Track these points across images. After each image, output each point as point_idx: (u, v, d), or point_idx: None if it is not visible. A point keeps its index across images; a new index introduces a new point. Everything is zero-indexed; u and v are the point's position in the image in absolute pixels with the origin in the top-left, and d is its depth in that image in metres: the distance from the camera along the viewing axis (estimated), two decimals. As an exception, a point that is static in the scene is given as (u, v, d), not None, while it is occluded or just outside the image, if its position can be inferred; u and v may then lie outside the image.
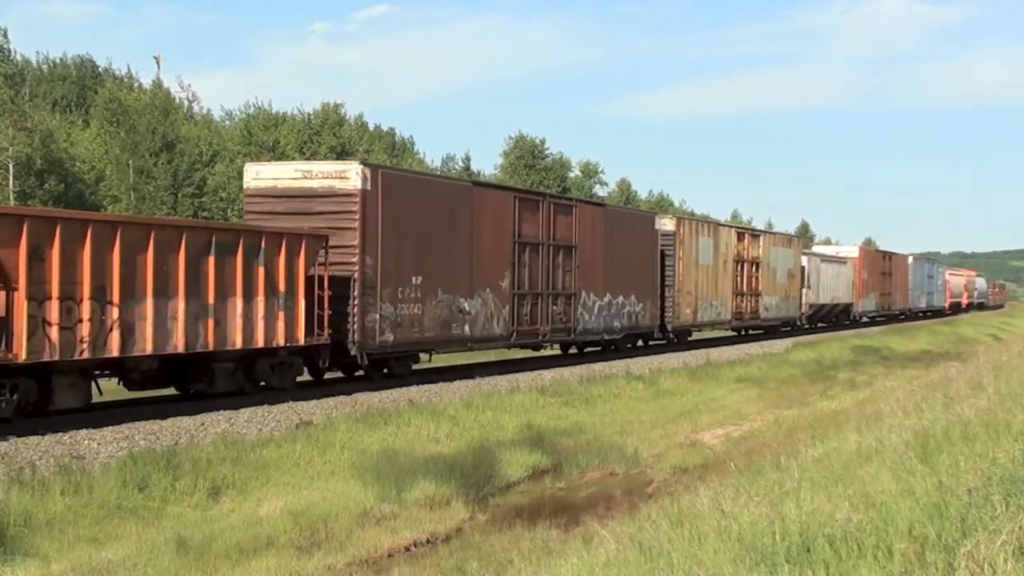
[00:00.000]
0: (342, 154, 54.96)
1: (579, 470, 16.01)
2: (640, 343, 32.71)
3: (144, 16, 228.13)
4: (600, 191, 76.41)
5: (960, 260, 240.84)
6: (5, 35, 45.52)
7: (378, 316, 19.25)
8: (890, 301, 61.49)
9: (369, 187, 19.07)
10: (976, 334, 56.44)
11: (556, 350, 29.31)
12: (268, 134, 53.01)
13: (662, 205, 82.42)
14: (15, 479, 11.14)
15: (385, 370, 20.85)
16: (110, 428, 14.29)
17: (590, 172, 77.21)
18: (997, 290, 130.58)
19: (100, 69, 54.26)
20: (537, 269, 24.63)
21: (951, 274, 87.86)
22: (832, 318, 52.83)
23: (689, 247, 33.24)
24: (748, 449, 15.71)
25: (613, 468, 16.29)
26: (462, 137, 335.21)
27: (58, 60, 53.59)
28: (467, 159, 70.65)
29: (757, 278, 39.59)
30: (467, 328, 22.01)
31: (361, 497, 12.51)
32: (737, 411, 22.36)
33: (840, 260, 52.89)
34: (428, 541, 11.73)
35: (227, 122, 55.77)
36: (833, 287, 50.48)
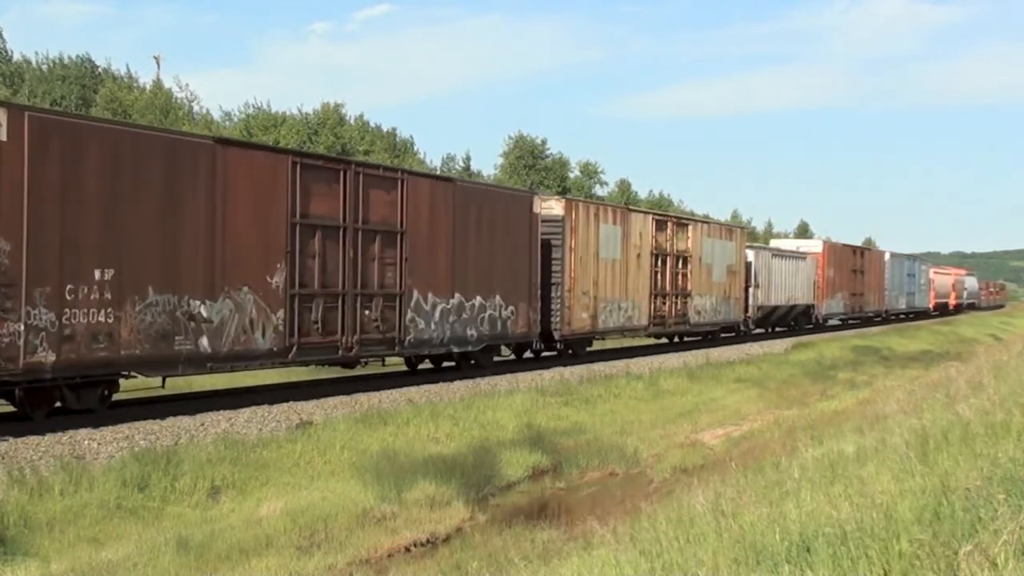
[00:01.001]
0: (342, 154, 55.02)
1: (579, 470, 16.02)
2: (518, 355, 26.63)
3: (144, 16, 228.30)
4: (600, 191, 76.45)
5: (960, 260, 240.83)
6: (1, 35, 45.49)
7: (22, 327, 13.35)
8: (862, 302, 55.42)
9: (4, 137, 13.27)
10: (976, 334, 56.44)
11: (381, 366, 22.73)
12: (268, 134, 52.99)
13: (662, 205, 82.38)
14: (15, 479, 11.14)
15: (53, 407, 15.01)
16: (110, 428, 14.29)
17: (590, 172, 77.18)
18: (995, 290, 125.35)
19: (100, 69, 54.29)
20: (337, 261, 18.53)
21: (936, 272, 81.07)
22: (790, 321, 46.47)
23: (585, 237, 26.90)
24: (748, 449, 15.72)
25: (613, 468, 16.30)
26: (462, 137, 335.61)
27: (57, 60, 53.60)
28: (467, 159, 70.70)
29: (685, 275, 33.14)
30: (204, 342, 15.97)
31: (361, 497, 12.51)
32: (737, 411, 22.37)
33: (799, 255, 45.99)
34: (428, 541, 11.73)
35: (227, 122, 55.75)
36: (790, 286, 43.89)
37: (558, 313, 25.89)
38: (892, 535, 5.80)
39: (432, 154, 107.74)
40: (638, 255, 30.00)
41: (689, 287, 33.50)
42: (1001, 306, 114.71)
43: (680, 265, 32.99)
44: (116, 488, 11.41)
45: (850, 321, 55.60)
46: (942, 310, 79.46)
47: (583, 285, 26.85)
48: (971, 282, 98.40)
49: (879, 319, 59.73)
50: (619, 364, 26.36)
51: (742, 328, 39.75)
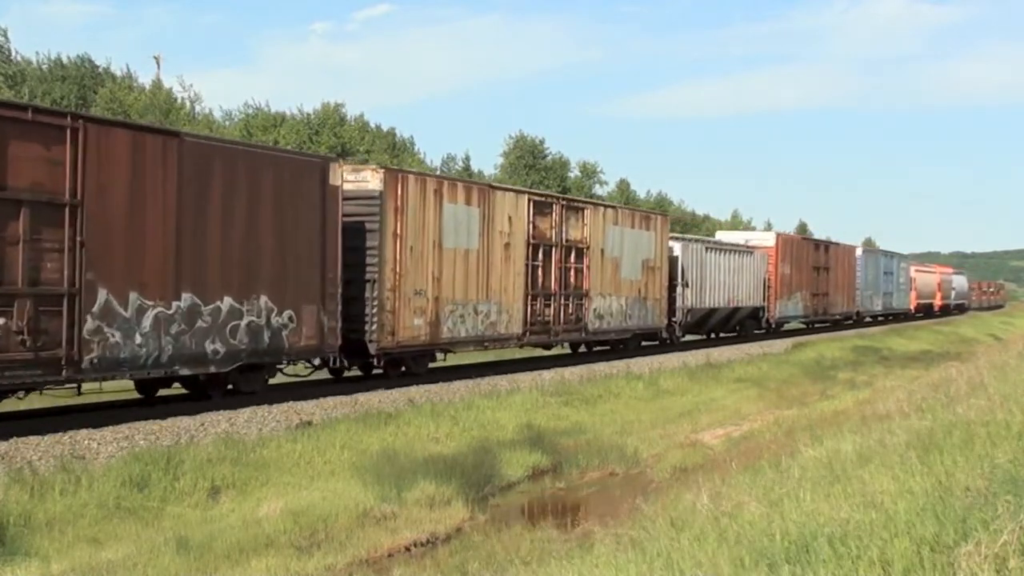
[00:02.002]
0: (342, 154, 54.98)
1: (579, 470, 16.02)
2: (334, 374, 21.04)
3: (144, 16, 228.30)
4: (600, 191, 76.43)
5: (960, 260, 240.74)
6: (5, 35, 45.46)
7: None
8: (826, 303, 48.46)
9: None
10: (976, 334, 56.47)
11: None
12: (268, 134, 52.99)
13: (661, 205, 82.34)
14: (15, 479, 11.15)
15: None
16: (110, 428, 14.30)
17: (590, 172, 77.19)
18: (991, 290, 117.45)
19: (100, 69, 54.26)
20: None
21: (918, 270, 73.56)
22: (735, 326, 40.04)
23: (420, 219, 20.54)
24: (748, 449, 15.71)
25: (613, 468, 16.31)
26: (462, 137, 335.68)
27: (57, 60, 53.59)
28: (467, 159, 70.69)
29: (581, 271, 26.76)
30: None
31: (361, 497, 12.51)
32: (737, 411, 22.38)
33: (744, 250, 39.12)
34: (428, 541, 11.74)
35: (227, 122, 55.75)
36: (732, 285, 37.21)
37: (375, 319, 19.53)
38: (892, 535, 5.80)
39: (432, 154, 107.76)
40: (507, 244, 23.48)
41: (586, 286, 26.94)
42: (1000, 306, 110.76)
43: (573, 258, 26.48)
44: (116, 488, 11.42)
45: (815, 325, 49.61)
46: (926, 312, 73.14)
47: (416, 282, 20.52)
48: (960, 281, 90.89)
49: (849, 322, 53.69)
50: (619, 364, 26.36)
51: (665, 335, 32.85)
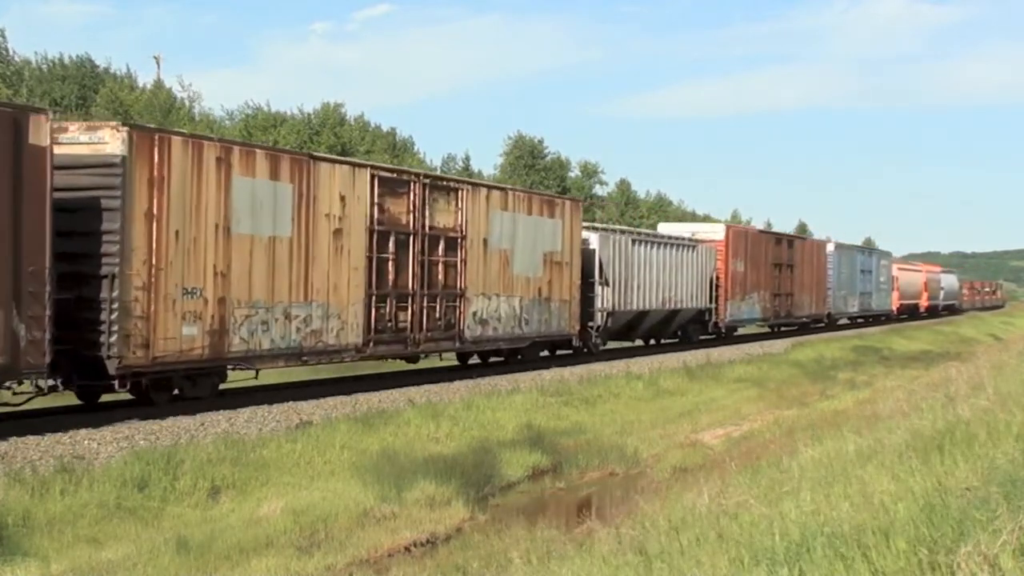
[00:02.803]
0: (343, 154, 54.94)
1: (579, 470, 16.03)
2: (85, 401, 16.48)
3: (144, 16, 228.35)
4: (600, 191, 76.45)
5: (960, 260, 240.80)
6: (3, 35, 45.41)
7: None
8: (790, 305, 43.19)
9: None
10: (976, 334, 56.48)
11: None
12: (268, 134, 52.99)
13: (661, 205, 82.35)
14: (15, 479, 11.15)
15: None
16: (110, 428, 14.29)
17: (590, 172, 77.17)
18: (987, 290, 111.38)
19: (100, 69, 54.26)
20: None
21: (901, 268, 67.94)
22: (675, 331, 35.20)
23: (188, 196, 15.75)
24: (748, 449, 15.72)
25: (613, 468, 16.31)
26: (462, 137, 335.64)
27: (57, 60, 53.58)
28: (467, 159, 70.70)
29: (454, 266, 21.83)
30: None
31: (361, 497, 12.51)
32: (737, 411, 22.38)
33: (686, 244, 34.04)
34: (428, 541, 11.74)
35: (227, 122, 55.75)
36: (670, 284, 32.26)
37: (115, 328, 14.68)
38: (891, 535, 5.80)
39: (432, 154, 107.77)
40: (337, 231, 18.45)
41: (462, 284, 21.99)
42: (998, 307, 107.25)
43: (442, 251, 21.39)
44: (116, 488, 11.41)
45: (780, 328, 45.32)
46: (911, 314, 68.15)
47: (186, 279, 15.78)
48: (949, 280, 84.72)
49: (821, 325, 48.89)
50: (619, 364, 26.35)
51: (577, 343, 27.70)
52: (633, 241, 30.70)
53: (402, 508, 12.50)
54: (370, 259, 19.36)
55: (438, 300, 21.41)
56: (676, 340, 35.66)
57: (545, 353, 26.96)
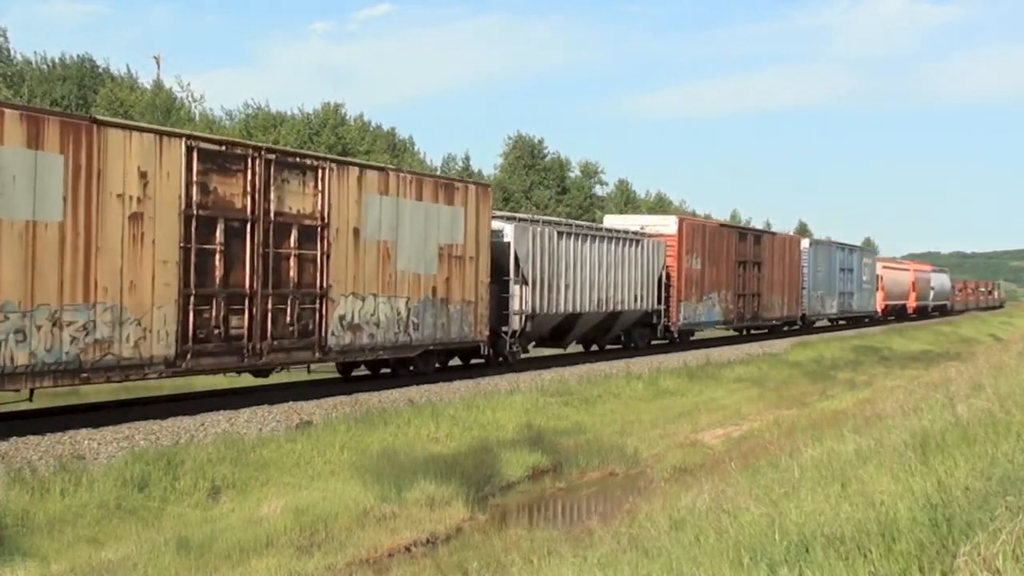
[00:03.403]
0: (343, 154, 54.95)
1: (579, 470, 16.03)
2: None
3: (144, 16, 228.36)
4: (600, 191, 76.46)
5: (960, 260, 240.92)
6: (5, 35, 45.44)
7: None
8: (758, 306, 39.57)
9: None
10: (976, 334, 56.49)
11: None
12: (268, 134, 53.00)
13: (661, 205, 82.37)
14: (15, 479, 11.15)
15: None
16: (110, 428, 14.30)
17: (590, 172, 77.18)
18: (982, 291, 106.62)
19: (100, 69, 54.27)
20: None
21: (887, 267, 63.90)
22: (618, 335, 31.54)
23: None
24: (748, 449, 15.72)
25: (613, 468, 16.32)
26: (462, 137, 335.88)
27: (57, 60, 53.60)
28: (467, 159, 70.70)
29: (312, 261, 18.08)
30: None
31: (361, 497, 12.52)
32: (737, 411, 22.38)
33: (629, 238, 30.28)
34: (428, 541, 11.74)
35: (227, 122, 55.78)
36: (609, 283, 28.68)
37: None
38: (891, 535, 5.81)
39: (432, 154, 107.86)
40: (135, 216, 14.97)
41: (325, 282, 18.22)
42: (995, 307, 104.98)
43: (295, 241, 17.62)
44: (116, 488, 11.42)
45: (751, 331, 42.28)
46: (898, 315, 64.74)
47: None
48: (940, 280, 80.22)
49: (795, 328, 45.27)
50: (619, 364, 26.36)
51: (487, 351, 23.80)
52: (560, 234, 26.47)
53: (402, 508, 12.50)
54: (187, 251, 15.66)
55: (289, 301, 17.48)
56: (619, 346, 31.50)
57: (457, 363, 24.52)
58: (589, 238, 28.01)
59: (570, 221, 30.70)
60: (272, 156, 17.36)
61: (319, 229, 18.23)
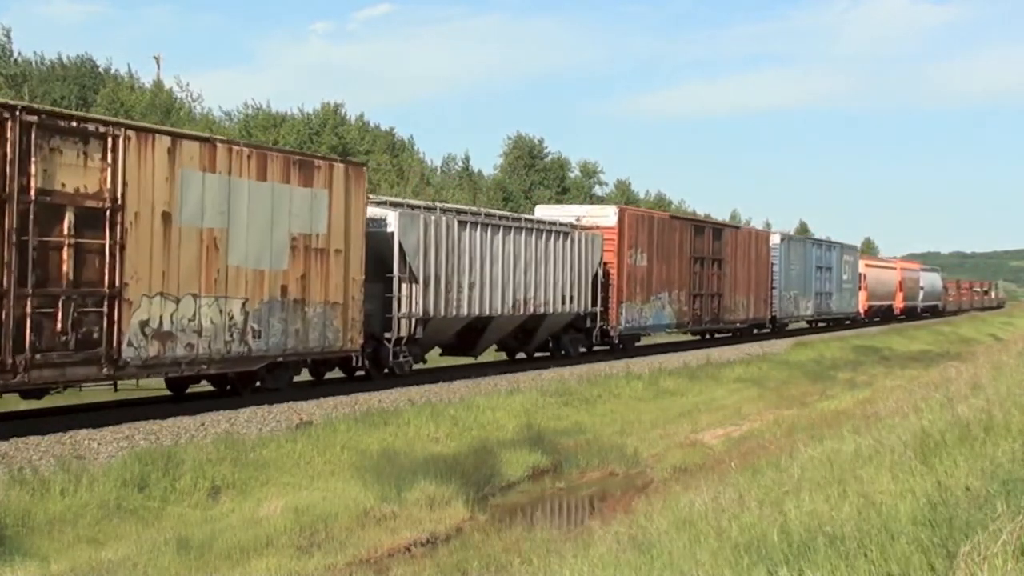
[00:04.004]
0: (343, 154, 54.96)
1: (579, 470, 16.03)
2: None
3: (144, 16, 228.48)
4: (600, 191, 76.44)
5: (960, 260, 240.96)
6: (8, 35, 45.41)
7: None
8: (718, 308, 35.75)
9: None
10: (976, 334, 56.48)
11: None
12: (268, 134, 53.00)
13: (661, 204, 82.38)
14: (15, 479, 11.15)
15: None
16: (110, 428, 14.30)
17: (589, 172, 77.22)
18: (976, 291, 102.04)
19: (100, 69, 54.27)
20: None
21: (870, 265, 60.35)
22: (546, 343, 27.51)
23: None
24: (748, 449, 15.72)
25: (613, 468, 16.31)
26: (462, 137, 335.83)
27: (58, 60, 53.60)
28: (467, 159, 70.72)
29: (104, 253, 14.53)
30: None
31: (361, 497, 12.52)
32: (737, 411, 22.38)
33: (556, 231, 26.23)
34: (428, 541, 11.74)
35: (227, 122, 55.79)
36: (529, 283, 24.78)
37: None
38: (891, 535, 5.81)
39: (432, 154, 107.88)
40: None
41: (118, 279, 14.66)
42: (992, 308, 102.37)
43: (73, 228, 14.05)
44: (116, 488, 11.42)
45: (715, 335, 38.54)
46: (884, 316, 61.54)
47: None
48: (931, 279, 76.36)
49: (764, 331, 41.80)
50: (619, 364, 26.35)
51: (361, 362, 19.97)
52: (464, 223, 22.54)
53: (402, 508, 12.50)
54: None
55: (61, 304, 13.81)
56: (548, 354, 27.77)
57: (333, 376, 20.90)
58: (503, 229, 24.02)
59: (479, 209, 25.78)
60: (34, 118, 13.50)
61: (108, 213, 14.42)
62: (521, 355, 27.43)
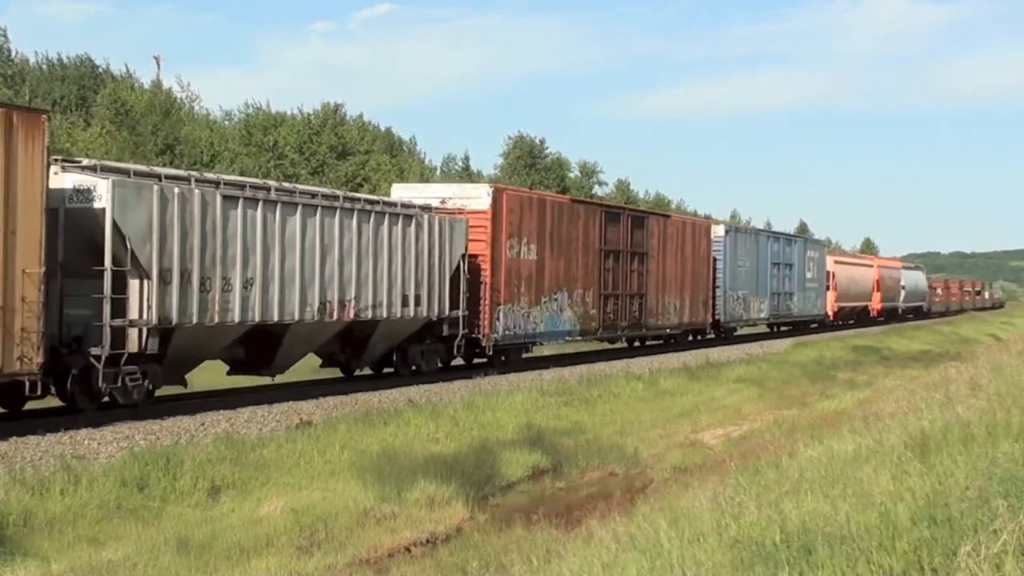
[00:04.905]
0: (343, 154, 54.99)
1: (579, 470, 16.02)
2: None
3: (144, 16, 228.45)
4: (599, 191, 76.50)
5: (960, 260, 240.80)
6: (5, 35, 45.49)
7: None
8: (639, 311, 30.04)
9: None
10: (976, 334, 56.47)
11: None
12: (268, 134, 53.00)
13: (661, 204, 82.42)
14: (15, 479, 11.15)
15: None
16: (110, 428, 14.30)
17: (589, 172, 77.30)
18: (974, 290, 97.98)
19: (100, 69, 54.29)
20: None
21: (841, 262, 54.93)
22: (375, 358, 21.31)
23: None
24: (748, 449, 15.72)
25: (613, 468, 16.30)
26: (462, 137, 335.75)
27: (57, 60, 53.61)
28: (467, 159, 70.80)
29: None
30: None
31: (361, 497, 12.52)
32: (737, 411, 22.38)
33: (394, 213, 20.48)
34: (428, 541, 11.73)
35: (227, 122, 55.83)
36: (349, 282, 19.19)
37: None
38: (891, 535, 5.81)
39: (432, 154, 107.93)
40: None
41: None
42: (992, 307, 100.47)
43: None
44: (116, 488, 11.42)
45: (645, 343, 33.34)
46: (859, 318, 56.89)
47: None
48: (914, 278, 70.91)
49: (710, 337, 36.95)
50: (619, 364, 26.34)
51: (39, 391, 14.03)
52: (229, 199, 16.61)
53: (402, 508, 12.50)
54: None
55: None
56: (392, 373, 21.70)
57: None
58: (303, 210, 17.98)
59: (265, 182, 18.82)
60: None
61: None
62: (367, 371, 21.88)
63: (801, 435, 13.90)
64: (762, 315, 41.11)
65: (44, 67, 53.24)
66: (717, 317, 36.48)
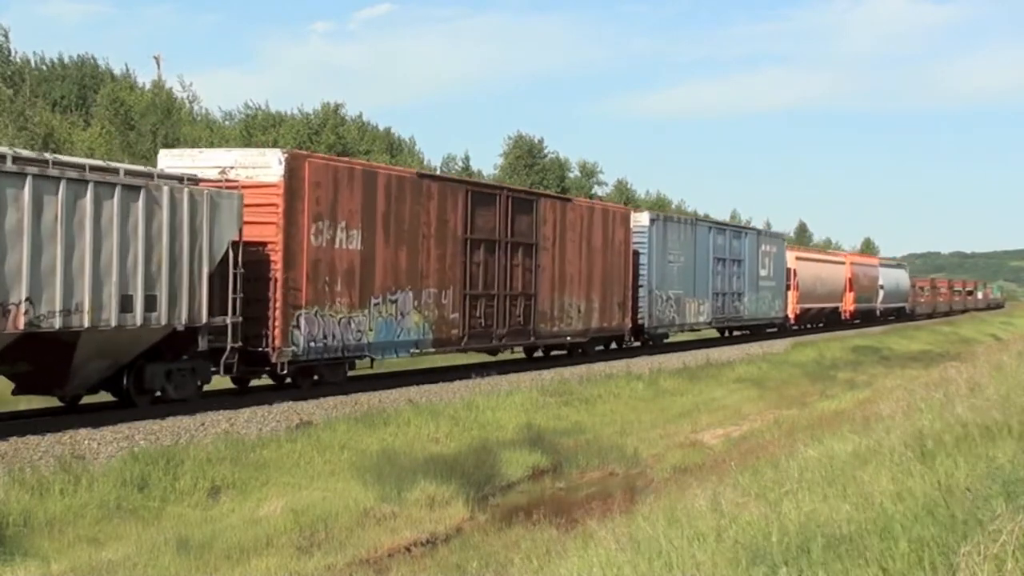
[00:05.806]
0: (343, 154, 54.92)
1: (579, 470, 16.03)
2: None
3: (144, 16, 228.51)
4: (599, 191, 76.45)
5: (960, 260, 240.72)
6: (6, 35, 45.46)
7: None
8: (526, 315, 24.40)
9: None
10: (976, 334, 56.44)
11: None
12: (268, 134, 52.97)
13: (661, 204, 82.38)
14: (15, 479, 11.15)
15: None
16: (110, 428, 14.29)
17: (589, 172, 77.27)
18: (964, 291, 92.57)
19: (100, 69, 54.24)
20: None
21: (803, 258, 48.14)
22: (103, 381, 15.43)
23: None
24: (748, 449, 15.73)
25: (613, 468, 16.31)
26: (462, 137, 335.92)
27: (57, 60, 53.58)
28: (467, 159, 70.74)
29: None
30: None
31: (361, 497, 12.52)
32: (737, 411, 22.38)
33: (109, 183, 14.11)
34: (428, 541, 11.74)
35: (227, 122, 55.80)
36: (13, 278, 12.80)
37: None
38: (891, 536, 5.81)
39: (432, 154, 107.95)
40: None
41: None
42: (987, 308, 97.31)
43: None
44: (116, 488, 11.42)
45: (544, 355, 27.58)
46: (828, 321, 50.71)
47: None
48: (895, 276, 64.08)
49: (636, 344, 31.25)
50: (619, 364, 26.34)
51: None
52: None
53: (402, 508, 12.50)
54: None
55: None
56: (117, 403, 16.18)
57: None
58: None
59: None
60: None
61: None
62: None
63: (801, 435, 13.91)
64: (702, 319, 34.93)
65: (44, 67, 53.21)
66: (640, 322, 30.53)
